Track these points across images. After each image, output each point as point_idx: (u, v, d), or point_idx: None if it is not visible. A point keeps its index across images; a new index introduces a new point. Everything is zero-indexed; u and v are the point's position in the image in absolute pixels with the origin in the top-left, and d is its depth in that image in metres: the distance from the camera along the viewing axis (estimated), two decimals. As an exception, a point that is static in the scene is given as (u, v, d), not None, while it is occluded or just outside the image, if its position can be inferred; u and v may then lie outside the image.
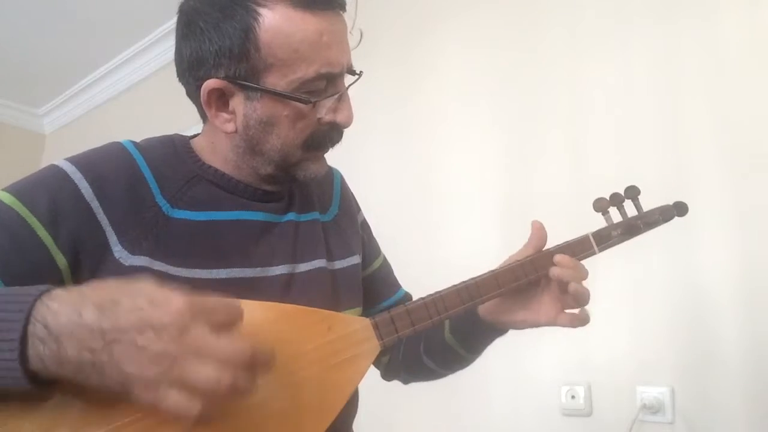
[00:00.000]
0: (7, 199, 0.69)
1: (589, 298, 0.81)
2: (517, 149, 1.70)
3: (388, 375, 1.03)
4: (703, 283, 1.34)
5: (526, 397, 1.54)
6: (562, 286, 0.80)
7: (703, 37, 1.42)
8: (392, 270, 1.04)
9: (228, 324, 0.56)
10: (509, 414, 1.56)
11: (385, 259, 1.03)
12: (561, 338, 1.49)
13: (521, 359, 1.55)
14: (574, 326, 0.82)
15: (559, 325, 0.82)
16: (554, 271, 0.80)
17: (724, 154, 1.35)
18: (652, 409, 1.34)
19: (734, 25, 1.38)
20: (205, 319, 0.54)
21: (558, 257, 0.81)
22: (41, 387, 0.55)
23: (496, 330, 0.88)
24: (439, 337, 0.91)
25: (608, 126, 1.53)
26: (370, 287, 0.96)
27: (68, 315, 0.54)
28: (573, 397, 1.46)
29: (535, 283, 0.83)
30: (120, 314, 0.53)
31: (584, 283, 0.81)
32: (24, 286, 0.58)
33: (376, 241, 1.03)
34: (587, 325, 1.43)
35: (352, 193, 1.01)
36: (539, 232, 0.84)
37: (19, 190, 0.71)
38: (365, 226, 1.01)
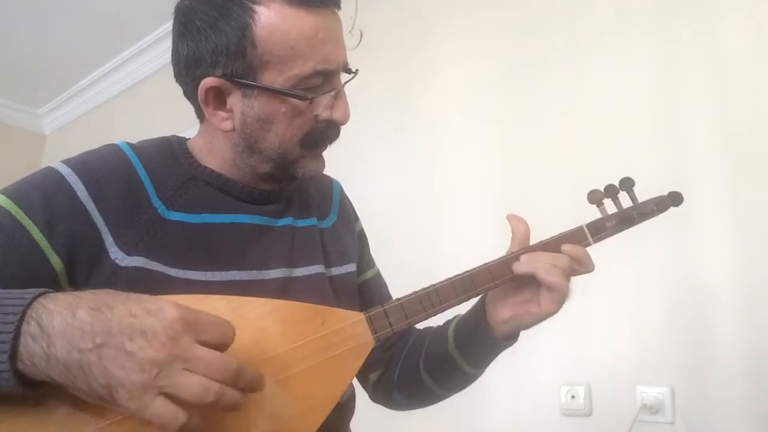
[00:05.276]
0: (3, 201, 0.69)
1: (560, 287, 0.76)
2: (517, 152, 1.69)
3: (376, 395, 0.99)
4: (703, 282, 1.33)
5: (526, 397, 1.54)
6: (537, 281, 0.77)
7: (702, 36, 1.42)
8: (386, 285, 1.02)
9: (218, 344, 0.56)
10: (509, 414, 1.56)
11: (378, 273, 1.01)
12: (561, 338, 1.50)
13: (521, 359, 1.54)
14: (555, 305, 0.77)
15: (544, 312, 0.78)
16: (515, 267, 0.78)
17: (723, 153, 1.35)
18: (652, 409, 1.34)
19: (734, 24, 1.38)
20: (197, 333, 0.55)
21: (523, 257, 0.78)
22: (28, 388, 0.55)
23: (505, 336, 0.83)
24: (442, 350, 0.89)
25: (608, 129, 1.53)
26: (362, 297, 0.94)
27: (62, 314, 0.54)
28: (573, 397, 1.46)
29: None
30: (113, 318, 0.54)
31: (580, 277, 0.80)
32: (24, 289, 0.58)
33: (370, 253, 1.02)
34: (587, 326, 1.44)
35: (351, 203, 1.01)
36: (517, 225, 0.83)
37: (14, 191, 0.71)
38: (362, 236, 1.01)
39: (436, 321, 0.86)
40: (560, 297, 0.77)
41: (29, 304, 0.55)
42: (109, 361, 0.52)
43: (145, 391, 0.52)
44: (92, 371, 0.53)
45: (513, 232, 0.83)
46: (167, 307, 0.55)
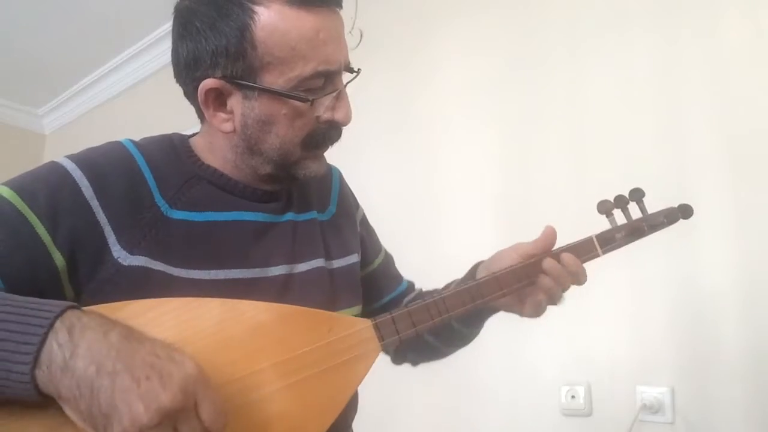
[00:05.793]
0: (7, 193, 0.69)
1: (557, 298, 0.84)
2: (517, 152, 1.69)
3: (397, 359, 1.03)
4: (703, 283, 1.33)
5: (526, 397, 1.54)
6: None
7: (702, 36, 1.42)
8: (393, 262, 1.04)
9: (208, 423, 0.57)
10: (509, 414, 1.56)
11: (386, 254, 1.03)
12: (561, 338, 1.50)
13: (521, 359, 1.54)
14: (536, 311, 0.84)
15: (525, 315, 0.85)
16: (542, 281, 0.82)
17: (723, 153, 1.35)
18: (652, 409, 1.34)
19: (734, 24, 1.38)
20: (201, 403, 0.56)
21: (547, 264, 0.82)
22: (39, 394, 0.56)
23: (489, 309, 0.89)
24: None
25: (608, 130, 1.53)
26: (372, 284, 0.96)
27: (95, 330, 0.57)
28: (573, 397, 1.46)
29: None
30: (139, 351, 0.56)
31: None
32: (44, 298, 0.60)
33: (377, 236, 1.02)
34: (587, 326, 1.44)
35: (351, 191, 1.00)
36: (550, 236, 0.85)
37: (19, 185, 0.70)
38: (364, 222, 1.00)
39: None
40: (540, 306, 0.83)
41: (60, 315, 0.57)
42: (119, 391, 0.53)
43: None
44: (99, 395, 0.54)
45: (539, 238, 0.85)
46: (189, 362, 0.57)
